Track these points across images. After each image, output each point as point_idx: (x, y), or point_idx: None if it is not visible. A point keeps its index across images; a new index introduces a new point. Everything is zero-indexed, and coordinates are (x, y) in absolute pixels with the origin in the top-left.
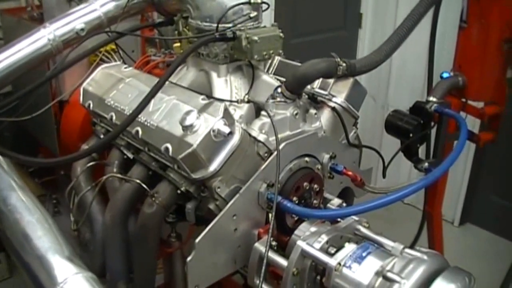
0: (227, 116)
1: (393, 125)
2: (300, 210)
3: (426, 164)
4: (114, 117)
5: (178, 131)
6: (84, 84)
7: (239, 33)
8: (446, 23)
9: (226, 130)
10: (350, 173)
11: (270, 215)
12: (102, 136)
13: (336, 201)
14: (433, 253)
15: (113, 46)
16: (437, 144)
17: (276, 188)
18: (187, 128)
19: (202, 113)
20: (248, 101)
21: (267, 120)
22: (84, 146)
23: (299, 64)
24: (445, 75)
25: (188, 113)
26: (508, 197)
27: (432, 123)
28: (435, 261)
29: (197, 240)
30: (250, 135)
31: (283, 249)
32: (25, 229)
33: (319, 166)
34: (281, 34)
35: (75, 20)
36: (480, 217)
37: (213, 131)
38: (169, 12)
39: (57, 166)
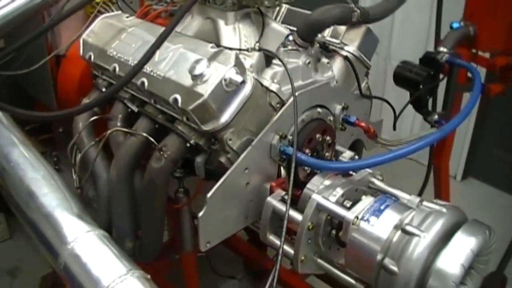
0: (239, 65)
1: (402, 76)
2: (316, 162)
3: (436, 116)
4: (117, 69)
5: (187, 81)
6: (84, 35)
7: None
8: None
9: (239, 78)
10: (363, 124)
11: (282, 168)
12: (104, 89)
13: (348, 153)
14: (451, 206)
15: None
16: (447, 95)
17: (296, 139)
18: (197, 78)
19: (212, 62)
20: (259, 49)
21: (279, 69)
22: (85, 100)
23: (308, 12)
24: (455, 25)
25: (197, 61)
26: (511, 150)
27: (441, 75)
28: (454, 214)
29: (208, 195)
30: (262, 84)
31: (295, 203)
32: (30, 186)
33: (331, 118)
34: None
35: None
36: (483, 172)
37: (225, 80)
38: None
39: (58, 120)
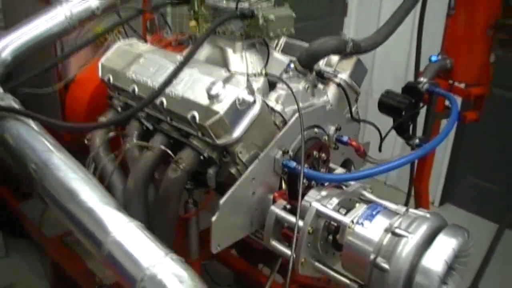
0: (249, 87)
1: (386, 104)
2: (317, 174)
3: (417, 140)
4: (136, 90)
5: (204, 100)
6: (102, 60)
7: (256, 12)
8: (428, 12)
9: (250, 98)
10: (354, 143)
11: (283, 180)
12: (119, 109)
13: (340, 170)
14: (434, 213)
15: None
16: (427, 122)
17: (303, 154)
18: (213, 97)
19: (226, 84)
20: (266, 75)
21: (283, 92)
22: (102, 118)
23: (304, 43)
24: (434, 58)
25: (214, 83)
26: (484, 177)
27: (422, 103)
28: (437, 219)
29: (221, 201)
30: (267, 105)
31: (293, 213)
32: (71, 185)
33: (326, 137)
34: (293, 14)
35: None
36: (459, 197)
37: (238, 99)
38: None
39: (84, 131)
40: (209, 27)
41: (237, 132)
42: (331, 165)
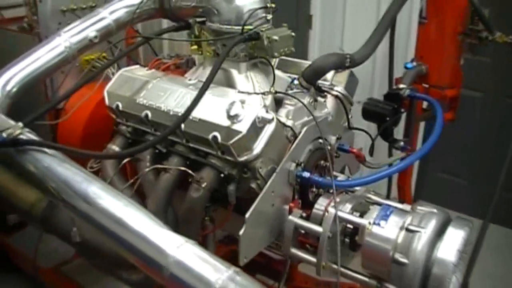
0: (265, 105)
1: (370, 111)
2: (327, 182)
3: (402, 143)
4: (149, 115)
5: (223, 121)
6: (107, 87)
7: (261, 34)
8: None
9: (269, 116)
10: (355, 150)
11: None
12: (128, 135)
13: (342, 176)
14: (438, 208)
15: (104, 54)
16: (409, 125)
17: (332, 166)
18: (234, 117)
19: (243, 104)
20: (275, 93)
21: (291, 107)
22: (112, 146)
23: (296, 60)
24: (409, 65)
25: (232, 104)
26: (454, 173)
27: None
28: (442, 213)
29: (247, 215)
30: (279, 121)
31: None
32: (118, 212)
33: (329, 147)
34: (293, 34)
35: (87, 28)
36: (431, 194)
37: (258, 118)
38: (179, 18)
39: (114, 158)
40: (224, 51)
41: (258, 148)
42: (334, 172)
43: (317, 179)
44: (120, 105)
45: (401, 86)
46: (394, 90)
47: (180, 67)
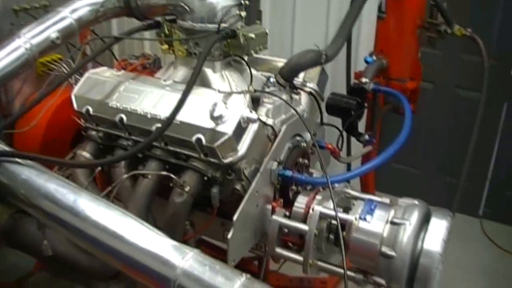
0: (249, 105)
1: (335, 106)
2: (315, 179)
3: (366, 136)
4: (125, 119)
5: (207, 122)
6: (75, 91)
7: (238, 32)
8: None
9: (254, 116)
10: (330, 146)
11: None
12: (99, 140)
13: (318, 173)
14: (418, 200)
15: (59, 56)
16: (372, 118)
17: (322, 163)
18: (218, 119)
19: (226, 104)
20: (255, 91)
21: (270, 106)
22: (82, 153)
23: (267, 57)
24: (369, 59)
25: (215, 105)
26: (409, 163)
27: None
28: (423, 204)
29: (234, 218)
30: (260, 120)
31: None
32: (114, 229)
33: (304, 144)
34: (267, 31)
35: (48, 29)
36: (387, 185)
37: (243, 118)
38: (146, 16)
39: (102, 166)
40: (204, 50)
41: (242, 150)
42: (311, 169)
43: (301, 178)
44: (91, 109)
45: (364, 80)
46: (358, 84)
47: (147, 67)
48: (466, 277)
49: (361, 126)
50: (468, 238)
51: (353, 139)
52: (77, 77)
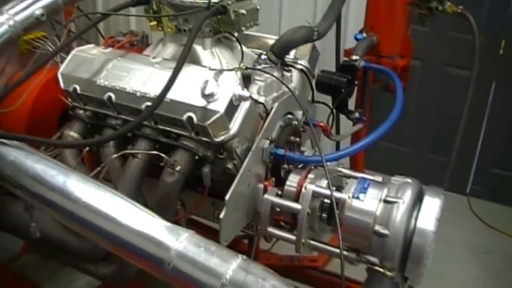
0: (241, 82)
1: (325, 83)
2: (309, 158)
3: (357, 114)
4: (113, 97)
5: (198, 101)
6: (61, 70)
7: (228, 7)
8: None
9: (246, 94)
10: (322, 124)
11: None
12: (88, 120)
13: (309, 151)
14: (411, 178)
15: (44, 33)
16: (362, 96)
17: (316, 141)
18: (209, 96)
19: (217, 82)
20: (246, 69)
21: (262, 83)
22: (70, 132)
23: (257, 34)
24: (359, 36)
25: (206, 82)
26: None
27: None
28: (416, 183)
29: (227, 197)
30: (252, 98)
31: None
32: (107, 211)
33: (296, 122)
34: (258, 7)
35: (32, 5)
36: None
37: (234, 96)
38: None
39: (91, 146)
40: (195, 27)
41: (235, 128)
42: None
43: (293, 156)
44: (78, 88)
45: (354, 57)
46: (348, 61)
47: (134, 44)
48: (453, 254)
49: (351, 104)
50: (456, 215)
51: (342, 117)
52: (63, 55)
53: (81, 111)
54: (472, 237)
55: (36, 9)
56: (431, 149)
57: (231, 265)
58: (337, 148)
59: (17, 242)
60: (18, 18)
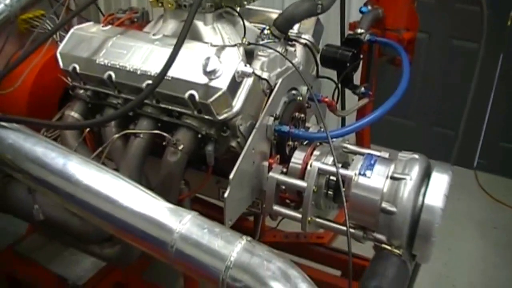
0: (243, 58)
1: (329, 58)
2: (314, 134)
3: (362, 88)
4: (113, 76)
5: (200, 78)
6: (60, 49)
7: None
8: None
9: (249, 70)
10: (327, 99)
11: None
12: (88, 99)
13: (314, 127)
14: (419, 154)
15: (42, 11)
16: (368, 70)
17: (320, 118)
18: (211, 73)
19: (219, 58)
20: (248, 44)
21: (265, 59)
22: (71, 113)
23: (258, 8)
24: (364, 9)
25: (208, 59)
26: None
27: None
28: (423, 158)
29: (231, 176)
30: (255, 74)
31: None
32: (108, 193)
33: (300, 97)
34: None
35: None
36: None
37: (237, 72)
38: None
39: (92, 126)
40: (194, 2)
41: (237, 105)
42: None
43: (298, 133)
44: (77, 67)
45: (359, 30)
46: (353, 35)
47: (134, 21)
48: (460, 229)
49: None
50: (463, 189)
51: (348, 92)
52: (62, 33)
53: (81, 91)
54: (479, 212)
55: None
56: (437, 123)
57: (235, 247)
58: (343, 124)
59: (22, 224)
60: None
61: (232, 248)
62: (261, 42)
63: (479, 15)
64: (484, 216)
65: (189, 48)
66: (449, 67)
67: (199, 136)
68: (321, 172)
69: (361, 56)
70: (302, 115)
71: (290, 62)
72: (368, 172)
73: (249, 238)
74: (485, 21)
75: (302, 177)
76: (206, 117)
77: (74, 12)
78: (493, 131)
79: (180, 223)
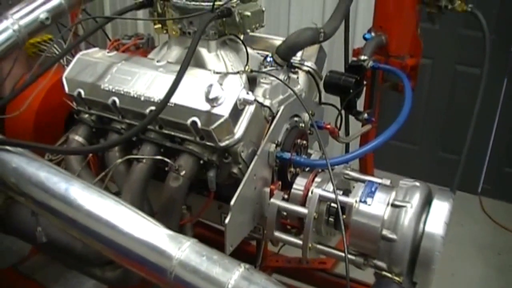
0: (246, 86)
1: (333, 84)
2: (315, 162)
3: (365, 114)
4: (117, 102)
5: (202, 105)
6: (66, 74)
7: (233, 10)
8: None
9: (251, 97)
10: (329, 126)
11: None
12: (92, 124)
13: (317, 153)
14: (419, 181)
15: (50, 36)
16: (372, 96)
17: (322, 145)
18: (213, 101)
19: (222, 86)
20: (251, 71)
21: (267, 86)
22: (75, 137)
23: (262, 35)
24: (368, 36)
25: (210, 86)
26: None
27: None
28: (424, 186)
29: (232, 202)
30: (257, 101)
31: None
32: (108, 219)
33: (303, 124)
34: (263, 8)
35: (37, 9)
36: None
37: (239, 100)
38: None
39: (98, 152)
40: (199, 30)
41: (239, 132)
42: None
43: (300, 160)
44: (82, 92)
45: (363, 57)
46: (357, 61)
47: (140, 47)
48: (464, 254)
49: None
50: (467, 215)
51: (351, 118)
52: (69, 58)
53: (86, 115)
54: (484, 237)
55: (41, 13)
56: (442, 147)
57: (233, 275)
58: (347, 150)
59: (25, 245)
60: (22, 22)
61: (230, 276)
62: (263, 70)
63: (483, 40)
64: (488, 241)
65: (192, 75)
66: (453, 92)
67: (201, 162)
68: (322, 199)
69: (365, 82)
70: (304, 142)
71: (292, 89)
72: (368, 200)
73: (247, 266)
74: (487, 46)
75: (303, 204)
76: (208, 143)
77: (81, 38)
78: (498, 157)
79: (179, 250)
